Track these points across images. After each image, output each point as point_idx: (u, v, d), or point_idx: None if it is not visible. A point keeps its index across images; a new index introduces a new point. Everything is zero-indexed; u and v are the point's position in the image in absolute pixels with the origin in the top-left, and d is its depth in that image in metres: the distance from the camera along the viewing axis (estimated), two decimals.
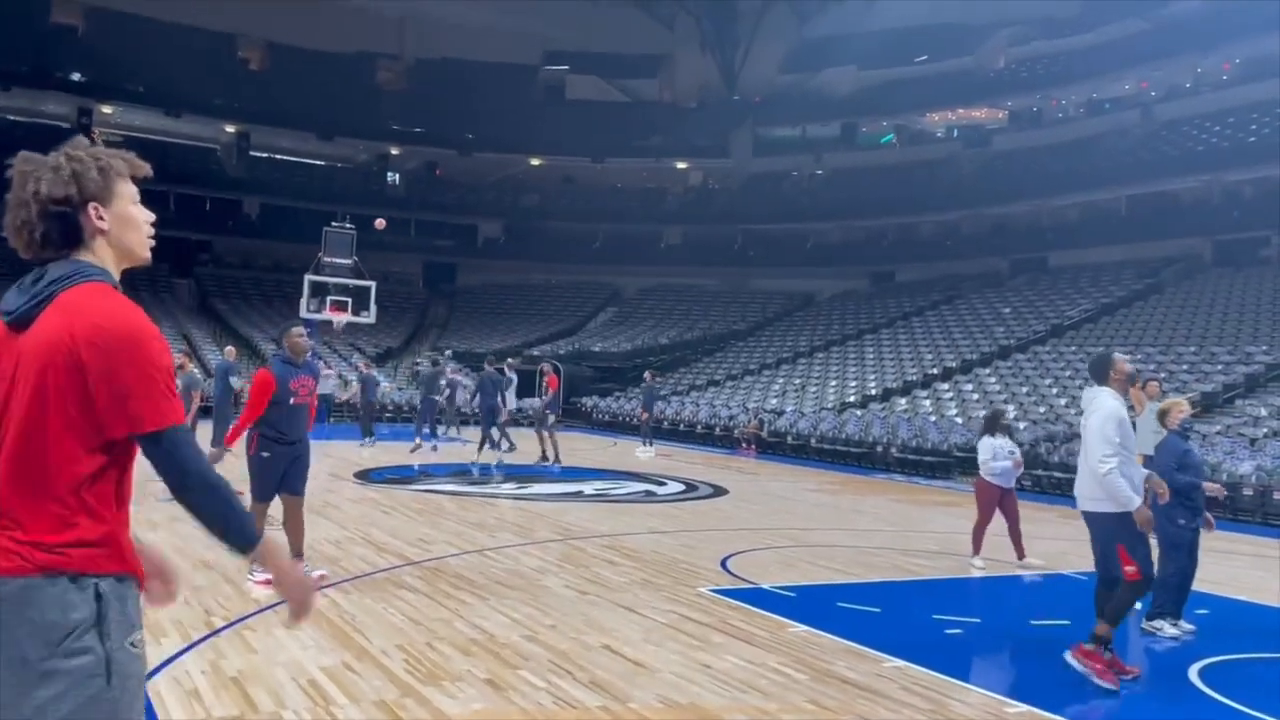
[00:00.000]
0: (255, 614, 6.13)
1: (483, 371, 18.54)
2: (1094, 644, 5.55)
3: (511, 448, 17.38)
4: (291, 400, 7.05)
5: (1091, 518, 5.79)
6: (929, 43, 38.61)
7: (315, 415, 22.01)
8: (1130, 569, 5.57)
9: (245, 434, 7.22)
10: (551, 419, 17.77)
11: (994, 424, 9.43)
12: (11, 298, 2.08)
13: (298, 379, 7.13)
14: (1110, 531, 5.68)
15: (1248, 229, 29.21)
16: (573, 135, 41.62)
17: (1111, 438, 5.57)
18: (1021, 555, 9.26)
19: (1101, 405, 5.73)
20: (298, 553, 7.25)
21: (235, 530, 2.18)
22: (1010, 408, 21.31)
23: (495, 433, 17.11)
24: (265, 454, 7.05)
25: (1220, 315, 24.77)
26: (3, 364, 2.05)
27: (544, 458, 17.36)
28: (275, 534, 2.18)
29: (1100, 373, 5.91)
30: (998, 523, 9.27)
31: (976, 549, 9.28)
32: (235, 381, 16.67)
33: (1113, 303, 28.26)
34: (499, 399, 17.25)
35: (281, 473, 7.10)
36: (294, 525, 7.20)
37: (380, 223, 24.16)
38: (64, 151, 2.13)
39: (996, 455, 9.14)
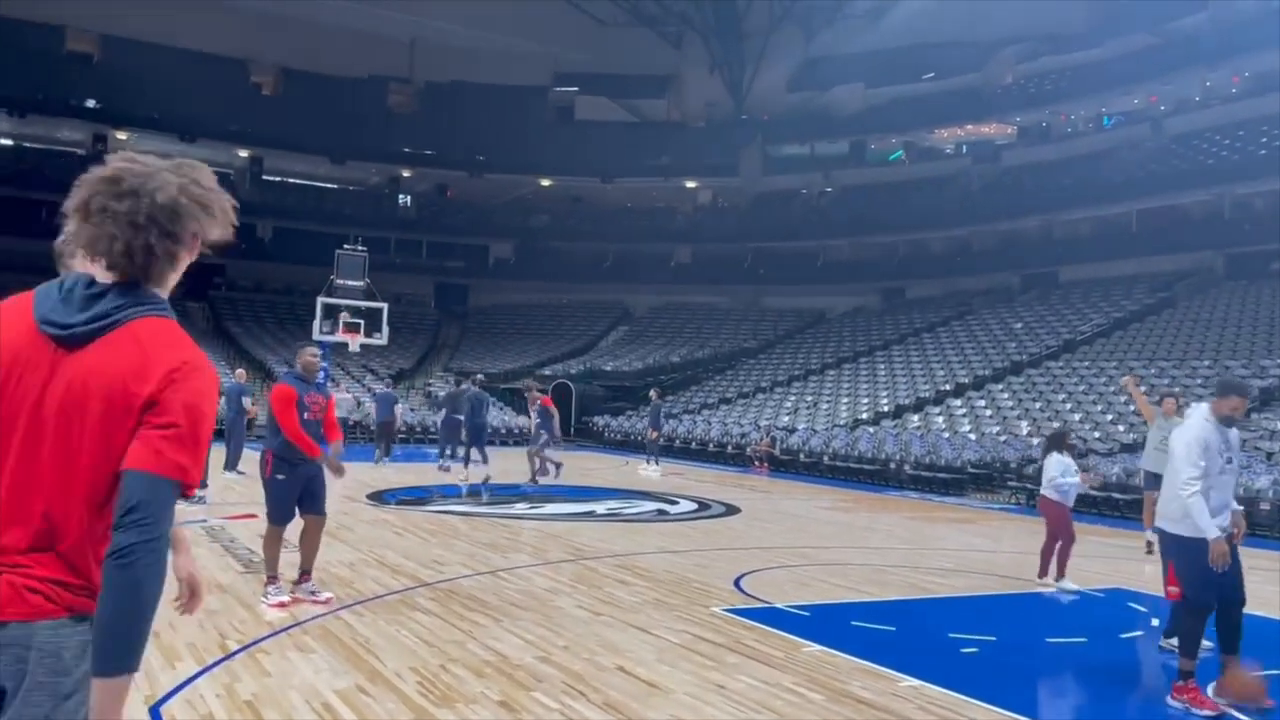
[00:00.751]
0: (269, 637, 6.14)
1: (468, 389, 18.60)
2: (1182, 679, 5.50)
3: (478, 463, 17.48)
4: (305, 416, 7.07)
5: (1160, 535, 5.76)
6: (936, 60, 38.71)
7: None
8: (1172, 589, 5.54)
9: (260, 456, 7.24)
10: (544, 438, 17.58)
11: (1060, 441, 9.35)
12: (58, 310, 1.89)
13: (310, 395, 7.18)
14: (1166, 549, 5.63)
15: (1259, 242, 29.06)
16: (582, 156, 41.83)
17: (1197, 461, 5.45)
18: (1062, 575, 9.15)
19: (1190, 426, 5.63)
20: (306, 570, 7.28)
21: (126, 640, 1.75)
22: (1072, 426, 21.26)
23: (473, 451, 17.40)
24: (280, 476, 7.07)
25: (1234, 329, 24.65)
26: (35, 378, 1.86)
27: (535, 477, 17.54)
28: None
29: (1223, 393, 5.70)
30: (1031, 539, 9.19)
31: (1060, 571, 9.15)
32: (247, 402, 16.77)
33: (1125, 317, 28.16)
34: (485, 417, 17.52)
35: (298, 494, 7.12)
36: (310, 543, 7.24)
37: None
38: (192, 175, 2.02)
39: (1066, 473, 9.03)
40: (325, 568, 8.11)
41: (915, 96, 39.71)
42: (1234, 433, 5.77)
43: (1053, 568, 9.23)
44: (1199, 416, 5.68)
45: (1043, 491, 9.32)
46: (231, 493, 13.78)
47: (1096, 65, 34.93)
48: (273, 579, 7.13)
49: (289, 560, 7.52)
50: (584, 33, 43.04)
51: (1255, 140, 30.13)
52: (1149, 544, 11.22)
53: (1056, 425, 20.93)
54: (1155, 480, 9.67)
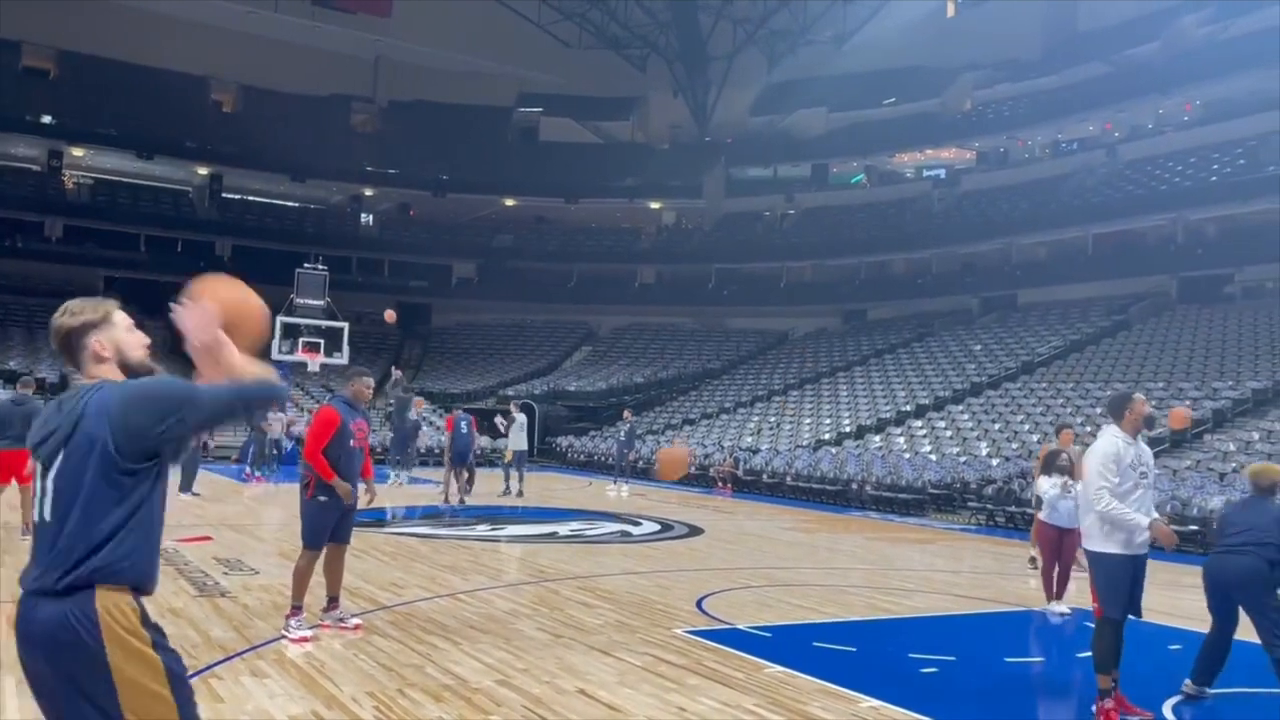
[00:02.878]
0: (222, 662, 6.02)
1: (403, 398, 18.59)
2: (1102, 698, 5.55)
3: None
4: (350, 442, 6.91)
5: (1087, 555, 5.81)
6: (897, 85, 39.28)
7: (281, 458, 21.92)
8: (1095, 605, 5.63)
9: (301, 479, 7.00)
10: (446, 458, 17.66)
11: (1049, 463, 9.31)
12: None
13: (356, 421, 7.01)
14: (1092, 566, 5.72)
15: (1212, 266, 29.73)
16: (546, 176, 41.89)
17: (1109, 476, 5.54)
18: (1059, 596, 9.03)
19: (1101, 443, 5.72)
20: (334, 598, 7.10)
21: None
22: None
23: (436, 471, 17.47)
24: (323, 498, 6.83)
25: (1187, 352, 25.12)
26: None
27: (507, 492, 17.45)
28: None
29: (1115, 410, 5.83)
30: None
31: (1048, 594, 9.04)
32: None
33: (1082, 339, 28.59)
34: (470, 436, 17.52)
35: (336, 519, 6.93)
36: (335, 570, 7.08)
37: (390, 315, 22.58)
38: None
39: (1062, 494, 8.95)
40: (280, 590, 7.98)
41: (876, 121, 40.25)
42: (1146, 450, 5.85)
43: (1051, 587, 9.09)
44: (1109, 434, 5.77)
45: (1038, 515, 9.30)
46: (186, 515, 13.54)
47: (1053, 92, 35.61)
48: (297, 610, 6.77)
49: (276, 583, 7.37)
50: (549, 54, 43.19)
51: (1207, 167, 30.82)
52: (1033, 559, 11.54)
53: (1049, 445, 21.20)
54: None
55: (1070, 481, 8.87)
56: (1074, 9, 36.63)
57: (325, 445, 6.81)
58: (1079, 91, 34.42)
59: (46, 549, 2.49)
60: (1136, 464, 5.65)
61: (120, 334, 2.75)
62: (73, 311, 2.72)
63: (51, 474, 2.52)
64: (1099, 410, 22.05)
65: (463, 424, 17.46)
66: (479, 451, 20.50)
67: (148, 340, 2.81)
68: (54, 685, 2.42)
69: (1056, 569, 9.03)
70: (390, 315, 21.68)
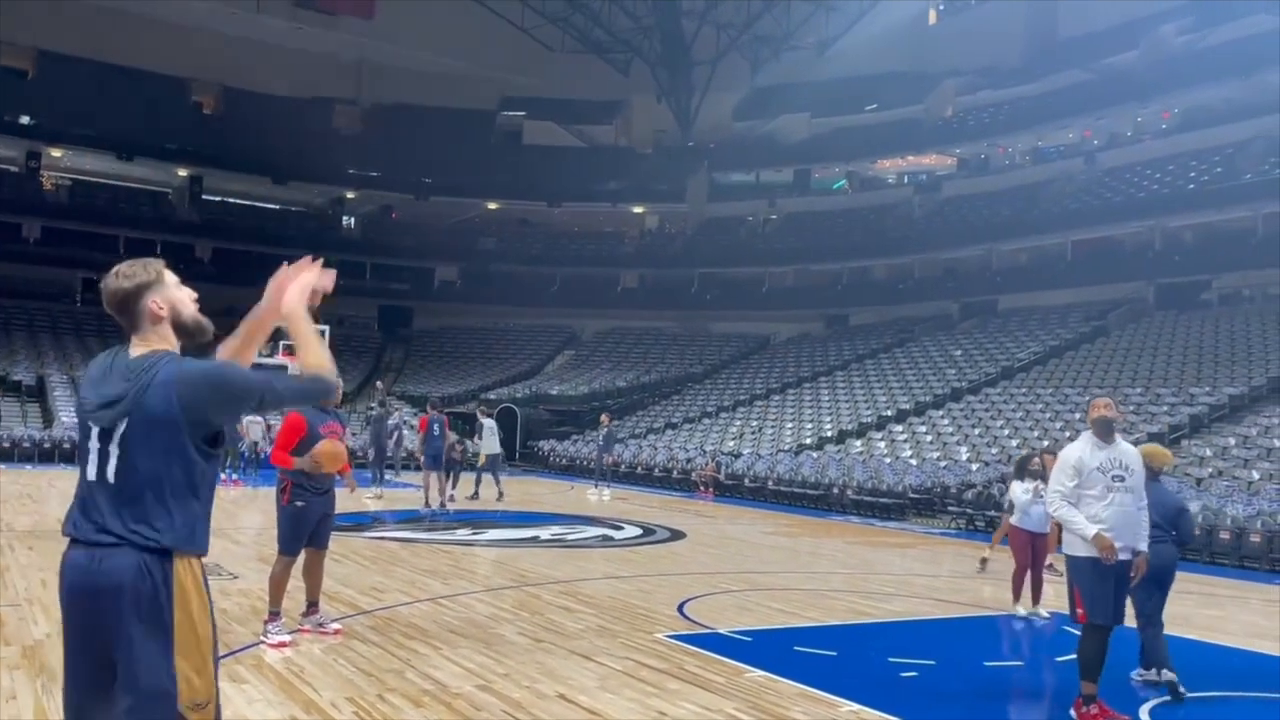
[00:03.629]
0: None
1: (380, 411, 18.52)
2: (1084, 702, 5.57)
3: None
4: (295, 459, 6.81)
5: (1065, 560, 5.84)
6: (879, 91, 39.46)
7: (260, 461, 21.76)
8: (1079, 611, 5.62)
9: (278, 484, 6.96)
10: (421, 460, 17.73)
11: (1021, 468, 9.29)
12: None
13: (328, 424, 6.92)
14: (1071, 572, 5.72)
15: (1189, 273, 29.99)
16: (529, 180, 41.85)
17: (1065, 480, 5.61)
18: (1036, 601, 9.05)
19: (1061, 454, 5.80)
20: (313, 602, 7.05)
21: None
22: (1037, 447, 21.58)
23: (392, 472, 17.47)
24: (300, 503, 6.79)
25: (1164, 357, 25.33)
26: None
27: (475, 496, 17.47)
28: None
29: (1088, 415, 5.95)
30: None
31: (1015, 596, 9.08)
32: None
33: (1061, 345, 28.78)
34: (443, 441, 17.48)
35: (313, 525, 6.88)
36: (315, 575, 7.03)
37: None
38: None
39: (1024, 498, 8.97)
40: (259, 595, 7.93)
41: (859, 127, 40.42)
42: (1128, 451, 5.79)
43: (1026, 594, 9.10)
44: (1080, 439, 5.83)
45: (1009, 519, 9.34)
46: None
47: (1033, 100, 35.87)
48: (275, 615, 6.71)
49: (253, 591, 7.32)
50: (532, 58, 43.17)
51: (1184, 174, 31.11)
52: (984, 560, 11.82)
53: (1024, 451, 21.32)
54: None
55: (1041, 486, 8.90)
56: (1054, 17, 36.89)
57: (292, 448, 6.77)
58: (1059, 99, 34.69)
59: (106, 508, 2.62)
60: (1108, 467, 5.62)
61: (174, 291, 2.84)
62: (125, 274, 2.78)
63: (115, 439, 2.63)
64: (1078, 416, 22.23)
65: (435, 426, 17.32)
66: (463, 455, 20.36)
67: (195, 295, 2.91)
68: (107, 636, 2.57)
69: (1029, 574, 9.03)
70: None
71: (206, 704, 2.65)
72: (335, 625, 7.05)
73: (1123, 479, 5.64)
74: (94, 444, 2.65)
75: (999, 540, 11.94)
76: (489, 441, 18.99)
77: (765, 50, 42.39)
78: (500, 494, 18.45)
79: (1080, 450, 5.68)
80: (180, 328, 2.81)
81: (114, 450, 2.62)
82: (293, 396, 2.80)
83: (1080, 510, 5.58)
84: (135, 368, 2.67)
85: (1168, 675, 6.30)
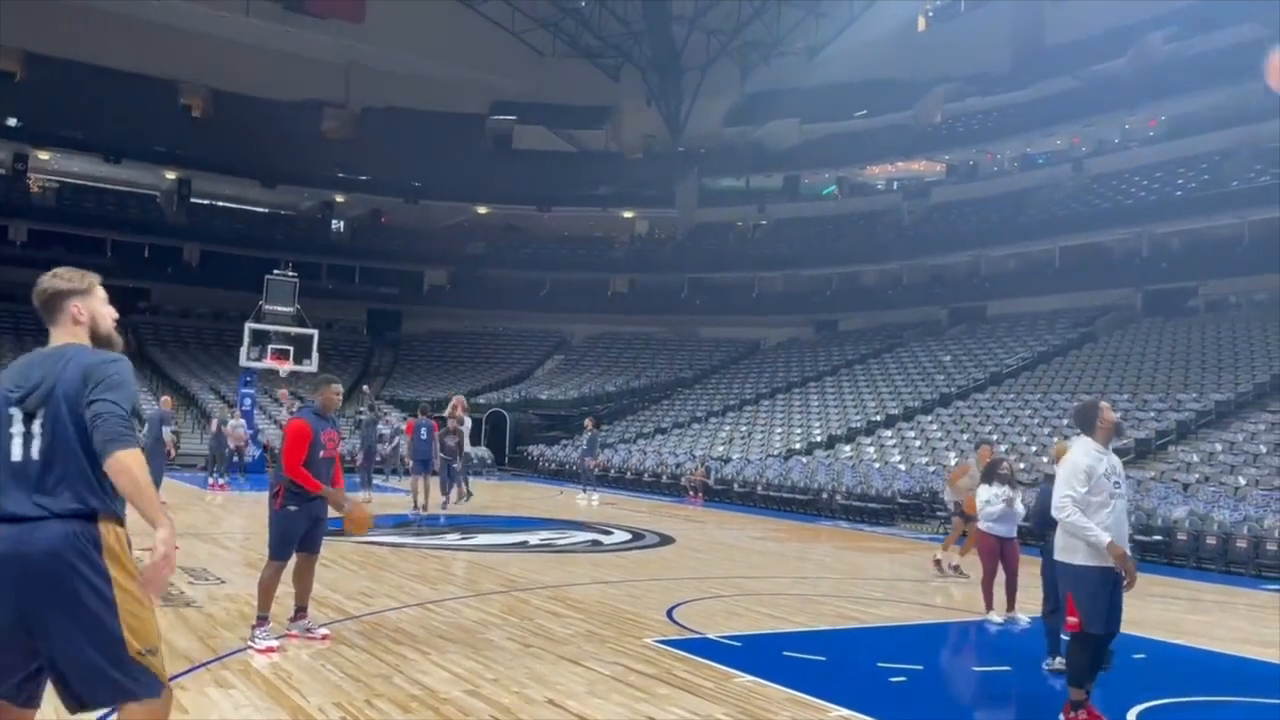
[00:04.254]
0: (187, 672, 5.93)
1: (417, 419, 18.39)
2: (1073, 709, 5.56)
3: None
4: (320, 454, 6.78)
5: (1057, 566, 5.78)
6: (868, 98, 39.61)
7: (244, 466, 21.64)
8: (1071, 620, 5.57)
9: (270, 488, 6.90)
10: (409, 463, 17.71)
11: (990, 473, 9.22)
12: None
13: (326, 432, 6.87)
14: (1064, 580, 5.67)
15: (1176, 279, 30.15)
16: (520, 184, 41.84)
17: (1076, 487, 5.48)
18: (1011, 607, 9.01)
19: (1072, 454, 5.67)
20: (302, 607, 6.99)
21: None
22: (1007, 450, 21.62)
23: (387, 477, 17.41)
24: (293, 508, 6.71)
25: (1152, 364, 25.45)
26: None
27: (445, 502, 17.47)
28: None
29: (1086, 421, 5.79)
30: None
31: (987, 604, 9.03)
32: (167, 433, 16.34)
33: (1049, 351, 28.90)
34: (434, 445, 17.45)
35: (305, 530, 6.81)
36: (305, 580, 6.96)
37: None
38: None
39: (992, 502, 8.92)
40: (247, 600, 7.90)
41: (848, 133, 40.55)
42: (1117, 460, 5.81)
43: (1002, 600, 9.07)
44: (1082, 445, 5.71)
45: (979, 524, 9.35)
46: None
47: (1021, 107, 36.04)
48: (263, 620, 6.65)
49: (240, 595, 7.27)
50: (523, 62, 43.21)
51: (1172, 181, 31.29)
52: (937, 562, 11.89)
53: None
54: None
55: (1010, 492, 8.93)
56: (1042, 24, 37.12)
57: (304, 455, 6.68)
58: (1047, 106, 34.86)
59: (32, 484, 2.90)
60: (1110, 474, 5.59)
61: (98, 305, 3.18)
62: (63, 277, 3.15)
63: (38, 421, 2.94)
64: (1065, 422, 22.30)
65: (423, 430, 17.34)
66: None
67: (117, 315, 3.23)
68: (34, 601, 2.81)
69: (1003, 579, 9.00)
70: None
71: (155, 650, 2.95)
72: (323, 631, 7.00)
73: (1120, 485, 5.63)
74: (17, 428, 2.95)
75: (953, 543, 12.01)
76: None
77: (755, 56, 42.53)
78: (468, 494, 18.17)
79: (1089, 457, 5.58)
80: (95, 337, 3.13)
81: (38, 431, 2.93)
82: (123, 420, 2.91)
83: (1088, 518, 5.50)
84: (52, 356, 3.02)
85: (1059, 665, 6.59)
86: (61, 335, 3.09)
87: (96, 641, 2.81)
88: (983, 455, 10.86)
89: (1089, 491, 5.50)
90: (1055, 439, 21.28)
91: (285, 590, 6.98)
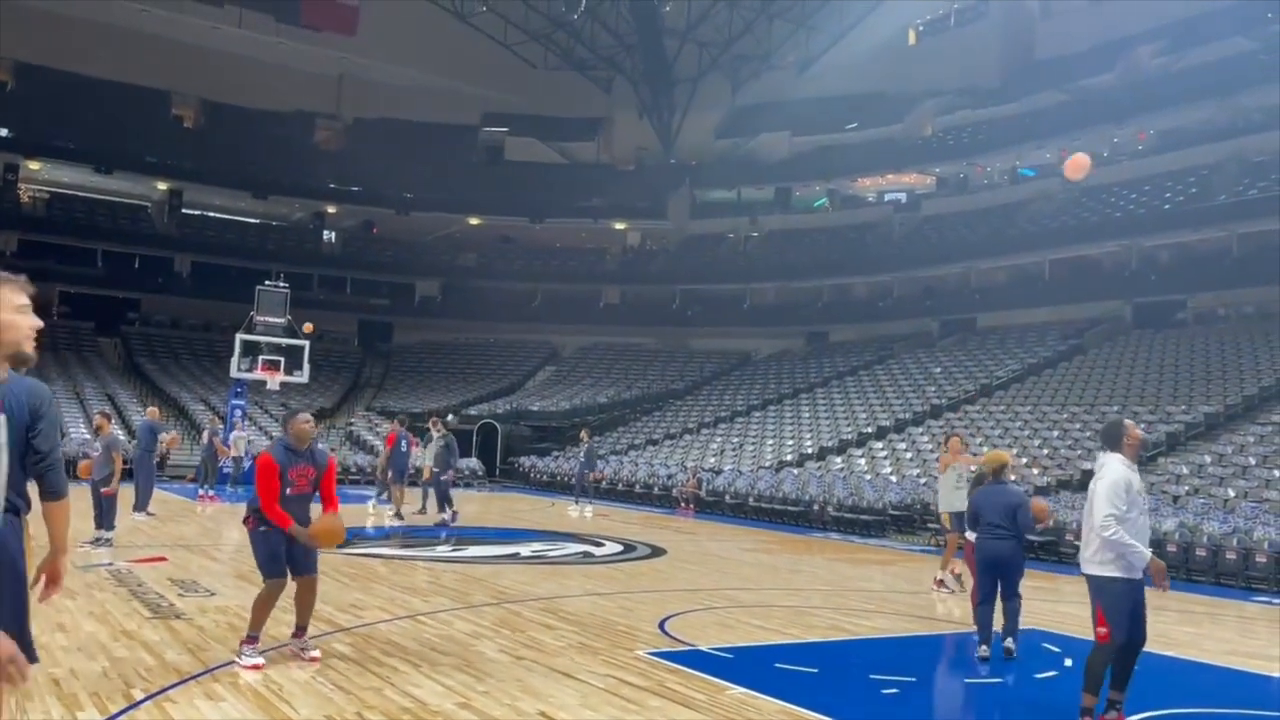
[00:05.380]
0: (177, 685, 5.90)
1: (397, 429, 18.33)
2: (1082, 715, 5.61)
3: (423, 509, 17.45)
4: (288, 491, 6.57)
5: (1088, 579, 5.83)
6: (859, 111, 39.80)
7: (240, 477, 21.41)
8: (1101, 630, 5.65)
9: (245, 513, 6.76)
10: (389, 474, 17.75)
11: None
12: None
13: (297, 467, 6.67)
14: (1097, 594, 5.74)
15: (1165, 292, 30.31)
16: (511, 196, 41.87)
17: (1118, 503, 5.61)
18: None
19: (1110, 470, 5.78)
20: (302, 626, 6.82)
21: None
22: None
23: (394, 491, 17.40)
24: (264, 528, 6.60)
25: (1141, 375, 25.55)
26: None
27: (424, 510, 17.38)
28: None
29: (1113, 438, 5.94)
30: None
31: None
32: (164, 437, 16.31)
33: (1039, 363, 29.00)
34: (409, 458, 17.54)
35: (286, 544, 6.62)
36: (305, 601, 6.80)
37: (308, 327, 25.95)
38: None
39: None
40: (237, 612, 7.86)
41: (839, 146, 40.73)
42: (1137, 475, 5.97)
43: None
44: (1115, 461, 5.83)
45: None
46: (139, 535, 13.30)
47: (1010, 120, 36.24)
48: (252, 639, 6.52)
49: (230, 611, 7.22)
50: (515, 74, 43.31)
51: (1160, 195, 31.48)
52: (940, 582, 11.71)
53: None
54: (960, 520, 10.19)
55: None
56: (1032, 39, 37.37)
57: (276, 488, 6.54)
58: (1036, 119, 35.07)
59: None
60: (1140, 489, 5.79)
61: (4, 314, 3.13)
62: None
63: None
64: (1056, 434, 22.38)
65: (403, 441, 17.49)
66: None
67: (38, 324, 3.26)
68: None
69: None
70: (309, 327, 22.22)
71: None
72: (314, 654, 6.78)
73: (1144, 499, 5.84)
74: None
75: (950, 559, 11.96)
76: (430, 453, 18.82)
77: (746, 69, 42.71)
78: (424, 509, 18.21)
79: (1126, 473, 5.74)
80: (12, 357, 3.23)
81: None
82: (54, 464, 3.31)
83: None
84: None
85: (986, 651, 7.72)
86: None
87: (18, 620, 3.20)
88: (953, 446, 10.91)
89: (1128, 509, 5.65)
90: (1045, 451, 21.41)
91: (284, 610, 6.91)
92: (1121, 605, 5.64)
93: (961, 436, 12.36)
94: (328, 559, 11.91)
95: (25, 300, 3.04)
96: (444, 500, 17.12)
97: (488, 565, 12.60)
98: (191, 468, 24.18)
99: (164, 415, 22.36)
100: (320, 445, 7.13)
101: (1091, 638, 5.89)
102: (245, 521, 6.76)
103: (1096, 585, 5.77)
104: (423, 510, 18.25)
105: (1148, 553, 5.60)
